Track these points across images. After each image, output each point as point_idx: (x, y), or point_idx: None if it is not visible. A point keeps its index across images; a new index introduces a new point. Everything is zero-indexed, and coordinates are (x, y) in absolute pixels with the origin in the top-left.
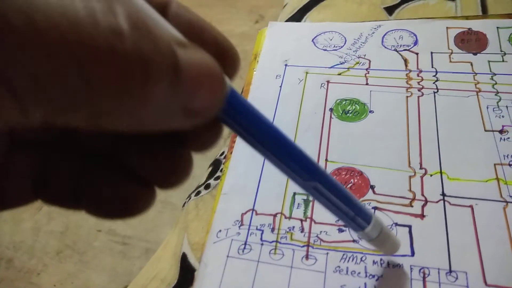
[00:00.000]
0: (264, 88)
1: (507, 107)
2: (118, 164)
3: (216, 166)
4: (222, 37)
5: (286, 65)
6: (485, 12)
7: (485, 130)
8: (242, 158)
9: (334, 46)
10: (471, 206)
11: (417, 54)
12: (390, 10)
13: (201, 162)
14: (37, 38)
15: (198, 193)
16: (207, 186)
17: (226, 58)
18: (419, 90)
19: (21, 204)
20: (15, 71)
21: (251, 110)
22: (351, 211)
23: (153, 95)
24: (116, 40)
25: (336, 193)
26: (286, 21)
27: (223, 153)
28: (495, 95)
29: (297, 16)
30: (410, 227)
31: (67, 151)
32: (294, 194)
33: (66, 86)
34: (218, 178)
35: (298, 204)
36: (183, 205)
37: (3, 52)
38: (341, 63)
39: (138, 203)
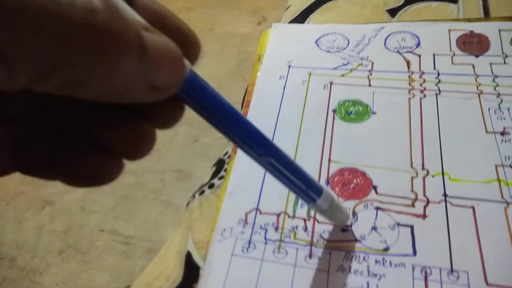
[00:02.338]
0: (268, 89)
1: (508, 109)
2: (88, 136)
3: (220, 166)
4: (184, 25)
5: (289, 66)
6: (487, 15)
7: (487, 132)
8: (246, 158)
9: (337, 48)
10: (472, 207)
11: (419, 56)
12: (392, 12)
13: (205, 162)
14: (23, 13)
15: (202, 192)
16: (211, 186)
17: (188, 44)
18: (421, 92)
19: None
20: (5, 40)
21: (209, 90)
22: (303, 185)
23: (120, 66)
24: (89, 16)
25: (288, 168)
26: (289, 23)
27: (226, 153)
28: (497, 97)
29: (300, 18)
30: (412, 227)
31: (42, 125)
32: None
33: (47, 55)
34: (222, 177)
35: (302, 203)
36: (187, 205)
37: None
38: (344, 65)
39: (107, 173)
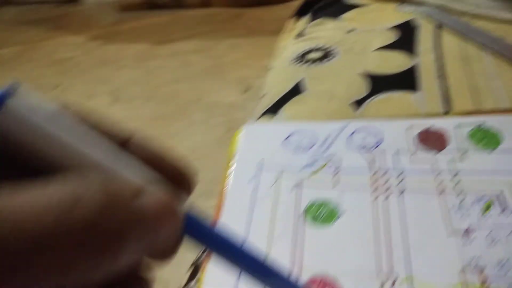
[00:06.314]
0: (239, 192)
1: (471, 204)
2: None
3: (195, 271)
4: (179, 164)
5: (259, 168)
6: (448, 104)
7: (450, 232)
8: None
9: (303, 148)
10: None
11: (382, 153)
12: (357, 104)
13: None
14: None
15: None
16: None
17: (183, 181)
18: (385, 191)
19: None
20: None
21: (204, 229)
22: None
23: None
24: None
25: None
26: (263, 113)
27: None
28: (458, 195)
29: (273, 109)
30: None
31: None
32: None
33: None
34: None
35: None
36: None
37: None
38: (311, 165)
39: None
